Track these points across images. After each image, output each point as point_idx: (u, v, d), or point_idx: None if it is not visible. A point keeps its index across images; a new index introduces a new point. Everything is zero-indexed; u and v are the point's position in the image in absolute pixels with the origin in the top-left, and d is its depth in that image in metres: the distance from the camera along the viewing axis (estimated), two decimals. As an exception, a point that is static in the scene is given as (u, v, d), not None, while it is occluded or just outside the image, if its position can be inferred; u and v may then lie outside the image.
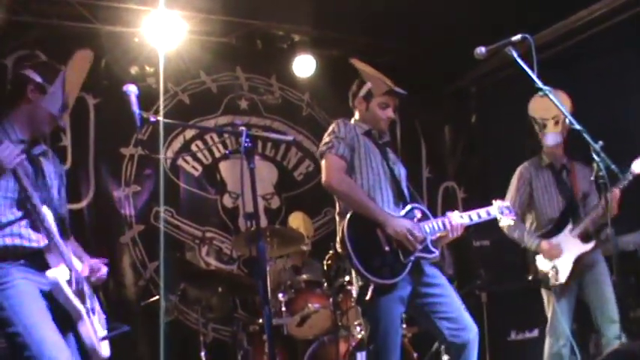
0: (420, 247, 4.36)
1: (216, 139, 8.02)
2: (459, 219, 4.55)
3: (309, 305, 6.20)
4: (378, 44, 7.96)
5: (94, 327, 3.78)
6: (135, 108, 3.48)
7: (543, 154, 5.92)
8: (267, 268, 6.17)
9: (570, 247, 5.58)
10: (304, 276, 6.61)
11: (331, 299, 6.12)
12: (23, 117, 3.80)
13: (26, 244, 3.63)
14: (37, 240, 3.66)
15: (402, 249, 4.32)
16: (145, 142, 7.37)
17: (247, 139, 3.59)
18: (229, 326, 6.88)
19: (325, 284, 6.33)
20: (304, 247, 6.95)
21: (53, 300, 3.61)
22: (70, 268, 3.71)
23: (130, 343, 6.72)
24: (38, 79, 3.79)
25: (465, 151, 9.23)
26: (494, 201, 4.91)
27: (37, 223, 3.63)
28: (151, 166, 7.49)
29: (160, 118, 3.73)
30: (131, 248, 7.30)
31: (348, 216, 4.35)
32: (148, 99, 7.17)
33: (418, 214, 4.51)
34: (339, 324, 6.10)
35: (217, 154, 8.00)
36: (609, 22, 7.01)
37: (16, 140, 3.70)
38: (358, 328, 6.04)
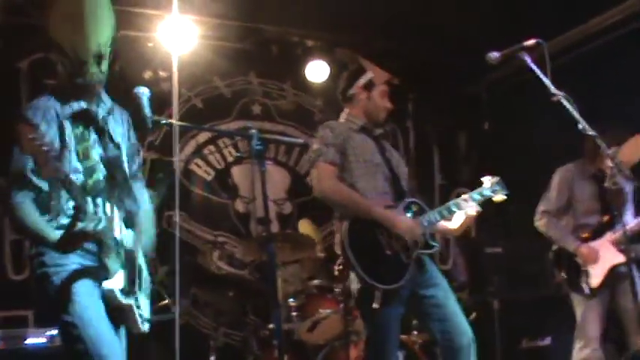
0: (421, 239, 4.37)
1: (228, 143, 8.03)
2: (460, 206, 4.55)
3: (320, 310, 6.18)
4: (390, 49, 7.95)
5: (142, 316, 3.70)
6: (146, 110, 3.46)
7: (588, 163, 5.86)
8: (278, 273, 6.17)
9: (607, 255, 5.54)
10: (315, 281, 6.59)
11: (342, 304, 6.10)
12: None
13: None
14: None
15: (403, 250, 4.30)
16: (158, 146, 7.39)
17: (258, 142, 3.57)
18: (240, 331, 6.87)
19: (336, 289, 6.31)
20: (320, 254, 6.94)
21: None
22: (126, 263, 3.56)
23: (142, 347, 6.71)
24: None
25: (479, 158, 9.20)
26: (483, 178, 4.82)
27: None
28: (162, 170, 7.49)
29: (173, 120, 3.70)
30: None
31: (347, 224, 4.31)
32: (161, 103, 7.16)
33: (415, 208, 4.48)
34: (350, 329, 6.07)
35: (230, 159, 8.01)
36: (623, 29, 6.99)
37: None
38: (369, 334, 6.02)
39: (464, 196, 4.62)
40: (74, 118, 3.53)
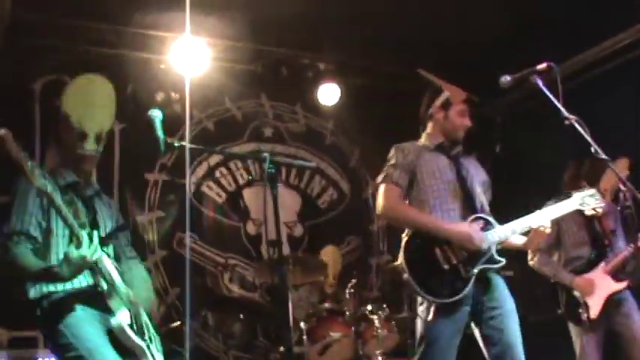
0: (483, 248, 4.29)
1: (239, 165, 8.04)
2: (533, 222, 4.45)
3: (331, 334, 6.16)
4: (402, 72, 7.96)
5: (155, 357, 3.81)
6: (159, 133, 3.48)
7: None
8: (290, 296, 6.15)
9: (603, 285, 5.55)
10: (326, 304, 6.57)
11: (353, 328, 6.08)
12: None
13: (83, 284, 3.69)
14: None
15: (462, 264, 4.25)
16: (170, 168, 7.41)
17: (270, 165, 3.58)
18: (250, 354, 6.84)
19: (347, 313, 6.29)
20: (331, 282, 6.93)
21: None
22: (130, 306, 3.73)
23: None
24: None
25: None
26: (573, 192, 4.67)
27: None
28: (174, 192, 7.51)
29: (185, 143, 3.73)
30: (154, 273, 7.30)
31: (405, 240, 4.34)
32: (173, 125, 7.13)
33: (481, 224, 4.38)
34: (361, 353, 6.05)
35: (241, 181, 8.01)
36: (635, 53, 6.99)
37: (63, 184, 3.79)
38: (380, 358, 5.98)
39: (539, 211, 4.53)
40: (65, 187, 3.79)
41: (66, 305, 3.59)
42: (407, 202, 4.52)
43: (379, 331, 6.03)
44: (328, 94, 8.08)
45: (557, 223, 5.66)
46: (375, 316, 6.10)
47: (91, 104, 3.99)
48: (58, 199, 3.45)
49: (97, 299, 3.64)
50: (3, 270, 3.68)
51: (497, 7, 6.70)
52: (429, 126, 4.77)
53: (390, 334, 6.17)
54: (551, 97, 3.88)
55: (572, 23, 6.78)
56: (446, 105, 4.70)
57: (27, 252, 3.56)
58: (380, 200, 4.52)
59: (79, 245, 3.44)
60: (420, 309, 4.38)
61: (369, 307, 6.10)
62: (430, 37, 7.02)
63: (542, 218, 4.45)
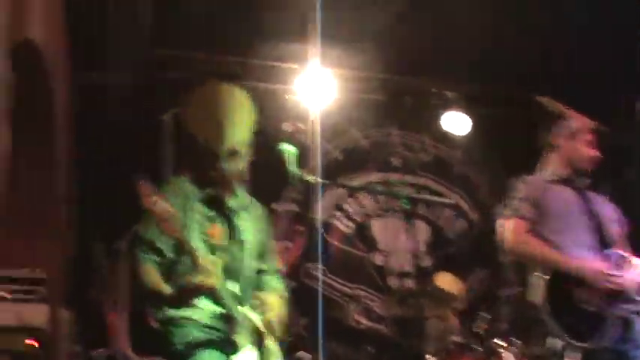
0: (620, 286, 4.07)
1: (368, 196, 8.00)
2: None
3: (460, 368, 5.99)
4: (532, 100, 7.76)
5: None
6: (292, 167, 3.46)
7: None
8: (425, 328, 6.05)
9: None
10: (455, 337, 6.40)
11: (483, 363, 5.90)
12: None
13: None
14: None
15: (604, 304, 4.04)
16: (298, 199, 7.44)
17: (406, 201, 3.49)
18: (377, 387, 6.74)
19: (476, 347, 6.11)
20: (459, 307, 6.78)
21: None
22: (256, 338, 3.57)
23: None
24: None
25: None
26: None
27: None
28: (301, 223, 7.52)
29: (316, 178, 3.65)
30: (282, 304, 7.32)
31: (545, 280, 4.12)
32: (300, 156, 7.23)
33: (616, 259, 4.19)
34: (491, 390, 5.86)
35: (369, 212, 7.96)
36: None
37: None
38: (511, 395, 5.77)
39: None
40: (204, 201, 3.60)
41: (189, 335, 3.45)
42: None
43: (510, 366, 5.83)
44: (457, 123, 7.95)
45: None
46: (506, 352, 5.90)
47: (216, 118, 3.67)
48: None
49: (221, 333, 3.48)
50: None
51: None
52: (554, 157, 4.59)
53: (522, 370, 5.95)
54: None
55: None
56: (572, 135, 4.51)
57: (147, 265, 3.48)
58: (508, 235, 4.39)
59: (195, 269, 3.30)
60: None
61: (500, 342, 5.90)
62: (562, 64, 6.81)
63: None
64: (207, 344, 3.42)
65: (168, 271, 3.47)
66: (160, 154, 7.05)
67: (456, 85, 7.86)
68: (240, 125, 3.71)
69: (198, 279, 3.29)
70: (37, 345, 4.77)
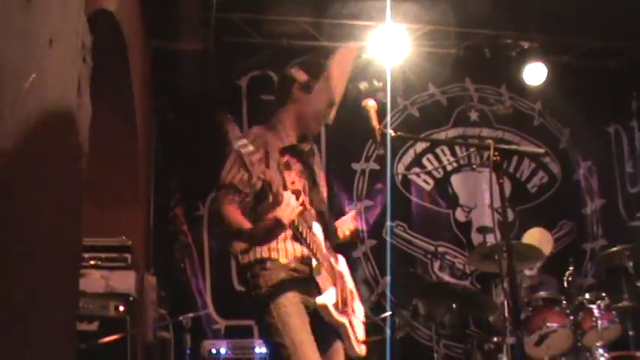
0: None
1: (447, 152, 7.92)
2: None
3: (548, 324, 5.89)
4: (609, 47, 7.54)
5: (356, 335, 3.70)
6: (375, 122, 3.43)
7: None
8: (504, 286, 5.97)
9: None
10: (542, 293, 6.30)
11: (571, 318, 5.79)
12: (291, 117, 3.74)
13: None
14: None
15: None
16: (377, 156, 7.40)
17: (495, 153, 3.39)
18: (462, 343, 6.70)
19: (564, 302, 6.00)
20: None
21: (316, 315, 3.53)
22: (336, 283, 3.61)
23: None
24: (303, 78, 3.74)
25: None
26: None
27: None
28: (382, 181, 7.50)
29: (394, 131, 3.60)
30: (363, 263, 7.33)
31: None
32: (378, 114, 7.19)
33: None
34: (579, 345, 5.75)
35: (449, 167, 7.88)
36: None
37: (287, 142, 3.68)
38: (600, 350, 5.66)
39: None
40: (283, 150, 3.62)
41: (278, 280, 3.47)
42: None
43: (599, 321, 5.71)
44: (534, 73, 7.76)
45: None
46: (593, 306, 5.78)
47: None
48: None
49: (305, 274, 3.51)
50: None
51: None
52: None
53: (611, 324, 5.83)
54: None
55: None
56: None
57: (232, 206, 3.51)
58: None
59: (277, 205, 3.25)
60: None
61: (587, 296, 5.79)
62: (635, 7, 6.55)
63: None
64: (292, 286, 3.47)
65: (252, 211, 3.48)
66: (236, 118, 7.09)
67: (532, 34, 7.66)
68: (342, 81, 3.84)
69: (282, 213, 3.23)
70: (124, 310, 4.89)
